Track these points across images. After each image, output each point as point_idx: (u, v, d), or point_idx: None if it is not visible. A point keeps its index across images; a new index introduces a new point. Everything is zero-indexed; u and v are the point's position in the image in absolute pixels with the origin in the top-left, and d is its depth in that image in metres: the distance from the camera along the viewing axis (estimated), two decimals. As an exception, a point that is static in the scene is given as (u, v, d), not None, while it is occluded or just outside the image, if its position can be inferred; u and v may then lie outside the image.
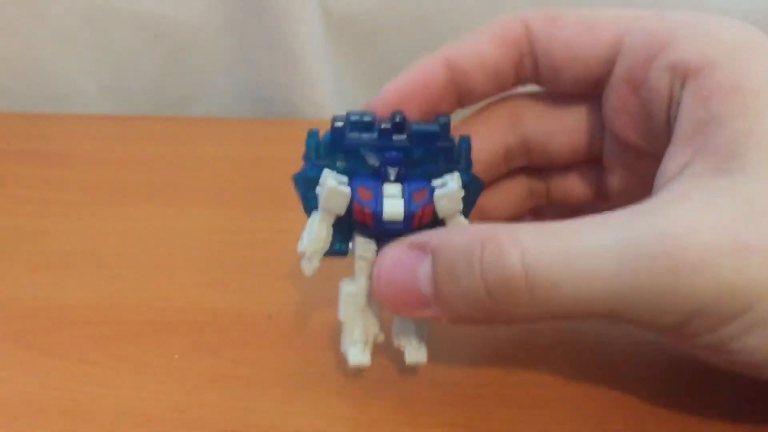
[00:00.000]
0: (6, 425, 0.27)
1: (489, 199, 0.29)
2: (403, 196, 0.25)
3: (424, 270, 0.23)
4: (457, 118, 0.28)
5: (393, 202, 0.24)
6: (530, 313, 0.22)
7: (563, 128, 0.28)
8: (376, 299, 0.24)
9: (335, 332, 0.31)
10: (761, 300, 0.20)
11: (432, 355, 0.29)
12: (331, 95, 0.55)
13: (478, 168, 0.26)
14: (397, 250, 0.24)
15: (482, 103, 0.28)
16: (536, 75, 0.27)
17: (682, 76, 0.23)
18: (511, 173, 0.29)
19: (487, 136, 0.28)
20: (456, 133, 0.26)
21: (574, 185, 0.29)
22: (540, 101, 0.28)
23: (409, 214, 0.24)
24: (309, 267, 0.25)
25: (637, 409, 0.27)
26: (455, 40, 0.26)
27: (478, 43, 0.26)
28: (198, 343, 0.30)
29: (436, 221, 0.25)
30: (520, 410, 0.27)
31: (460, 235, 0.23)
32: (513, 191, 0.29)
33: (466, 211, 0.25)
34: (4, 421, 0.27)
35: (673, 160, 0.22)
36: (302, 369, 0.29)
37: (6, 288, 0.34)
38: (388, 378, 0.29)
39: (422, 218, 0.25)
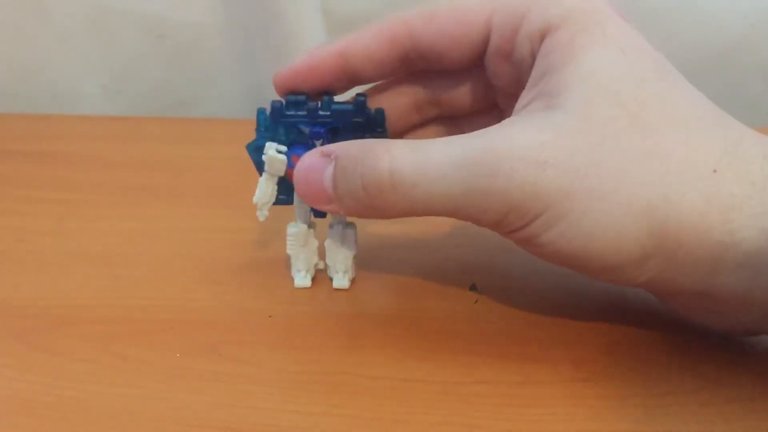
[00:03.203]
0: (6, 424, 0.27)
1: None
2: None
3: (328, 172, 0.29)
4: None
5: None
6: (396, 208, 0.27)
7: (462, 87, 0.33)
8: (299, 195, 0.30)
9: (336, 332, 0.31)
10: (555, 203, 0.25)
11: (431, 354, 0.29)
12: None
13: (396, 116, 0.33)
14: (310, 157, 0.29)
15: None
16: (424, 61, 0.31)
17: (538, 40, 0.28)
18: (426, 122, 0.34)
19: (402, 93, 0.33)
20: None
21: (481, 128, 0.33)
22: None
23: None
24: (261, 215, 0.33)
25: (638, 406, 0.27)
26: (349, 34, 0.31)
27: (366, 39, 0.31)
28: (199, 343, 0.31)
29: None
30: (518, 408, 0.27)
31: (354, 145, 0.28)
32: (431, 135, 0.34)
33: None
34: (5, 420, 0.27)
35: (521, 101, 0.28)
36: (302, 368, 0.29)
37: (7, 287, 0.34)
38: (387, 377, 0.29)
39: None
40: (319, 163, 0.29)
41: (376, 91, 0.34)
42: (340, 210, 0.29)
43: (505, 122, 0.27)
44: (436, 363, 0.29)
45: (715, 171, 0.25)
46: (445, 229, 0.39)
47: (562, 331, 0.31)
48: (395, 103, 0.33)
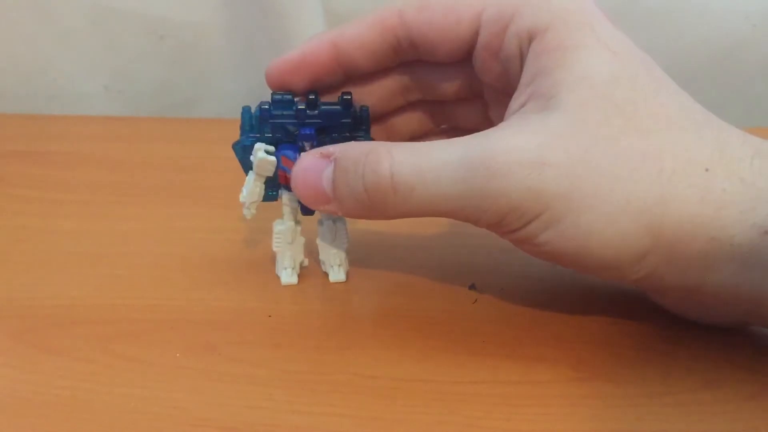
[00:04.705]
0: (6, 424, 0.27)
1: (396, 123, 0.35)
2: None
3: (326, 173, 0.29)
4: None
5: None
6: (396, 209, 0.28)
7: (449, 77, 0.33)
8: (296, 195, 0.31)
9: (335, 331, 0.31)
10: (553, 204, 0.26)
11: (430, 354, 0.29)
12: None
13: (381, 96, 0.33)
14: (309, 157, 0.30)
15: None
16: (416, 53, 0.32)
17: (527, 40, 0.28)
18: (412, 105, 0.35)
19: (388, 76, 0.33)
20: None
21: (465, 116, 0.35)
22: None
23: None
24: (248, 213, 0.33)
25: (637, 406, 0.27)
26: (342, 25, 0.32)
27: (360, 29, 0.31)
28: (198, 342, 0.31)
29: None
30: (517, 407, 0.27)
31: (355, 147, 0.29)
32: (414, 118, 0.35)
33: None
34: (6, 419, 0.27)
35: (515, 102, 0.28)
36: (302, 368, 0.29)
37: (8, 287, 0.34)
38: (387, 377, 0.29)
39: None
40: (318, 165, 0.29)
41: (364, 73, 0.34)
42: (338, 211, 0.30)
43: (502, 124, 0.28)
44: (435, 363, 0.29)
45: (707, 170, 0.26)
46: (445, 228, 0.39)
47: (561, 331, 0.31)
48: (381, 84, 0.33)
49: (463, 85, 0.33)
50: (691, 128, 0.27)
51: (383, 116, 0.35)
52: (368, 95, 0.33)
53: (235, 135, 0.33)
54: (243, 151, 0.32)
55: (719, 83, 0.54)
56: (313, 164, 0.29)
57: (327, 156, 0.29)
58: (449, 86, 0.33)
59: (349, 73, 0.32)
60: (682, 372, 0.29)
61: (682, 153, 0.26)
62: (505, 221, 0.27)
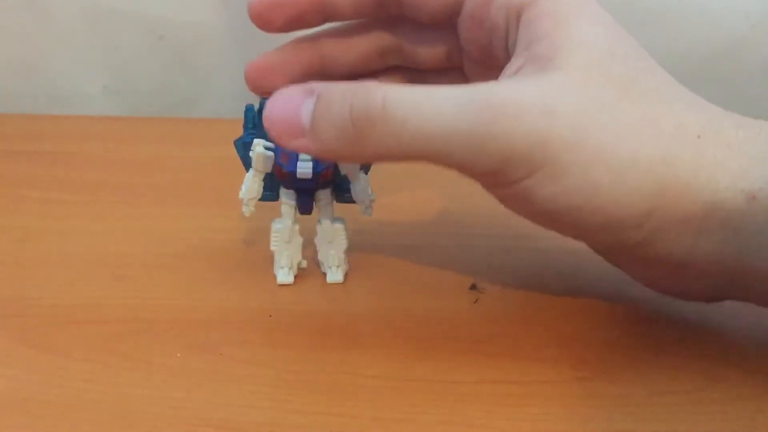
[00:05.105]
0: (7, 423, 0.27)
1: None
2: (313, 160, 0.31)
3: (306, 105, 0.27)
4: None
5: (304, 165, 0.31)
6: (381, 143, 0.26)
7: (429, 42, 0.32)
8: (265, 127, 0.28)
9: (336, 331, 0.31)
10: (561, 154, 0.25)
11: (430, 354, 0.29)
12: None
13: (358, 56, 0.32)
14: (290, 89, 0.27)
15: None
16: (400, 9, 0.31)
17: (516, 11, 0.28)
18: (389, 70, 0.34)
19: (366, 35, 0.33)
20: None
21: (442, 83, 0.33)
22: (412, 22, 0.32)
23: (316, 173, 0.32)
24: (247, 210, 0.33)
25: (637, 406, 0.27)
26: None
27: None
28: (199, 342, 0.31)
29: (340, 176, 0.33)
30: (517, 407, 0.27)
31: (342, 83, 0.27)
32: (391, 82, 0.34)
33: (366, 168, 0.33)
34: (5, 419, 0.27)
35: (510, 67, 0.28)
36: (302, 367, 0.29)
37: (8, 287, 0.34)
38: (387, 377, 0.29)
39: (326, 176, 0.32)
40: (298, 96, 0.27)
41: (343, 30, 0.33)
42: (310, 145, 0.27)
43: (504, 80, 0.27)
44: (436, 363, 0.29)
45: (698, 137, 0.26)
46: (446, 228, 0.39)
47: (562, 331, 0.31)
48: (359, 43, 0.33)
49: (444, 53, 0.33)
50: (682, 100, 0.27)
51: (359, 77, 0.33)
52: (347, 51, 0.32)
53: (234, 135, 0.33)
54: (244, 148, 0.32)
55: (719, 83, 0.54)
56: (292, 94, 0.27)
57: (309, 90, 0.27)
58: (429, 52, 0.33)
59: (329, 17, 0.31)
60: (683, 372, 0.29)
61: (676, 120, 0.26)
62: (505, 170, 0.25)
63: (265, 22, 0.31)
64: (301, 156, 0.31)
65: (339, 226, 0.34)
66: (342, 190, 0.33)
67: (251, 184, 0.33)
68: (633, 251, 0.28)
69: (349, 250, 0.34)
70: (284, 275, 0.34)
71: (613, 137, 0.25)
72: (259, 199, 0.33)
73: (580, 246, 0.30)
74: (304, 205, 0.33)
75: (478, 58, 0.31)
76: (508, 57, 0.28)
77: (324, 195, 0.33)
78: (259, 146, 0.32)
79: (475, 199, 0.37)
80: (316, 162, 0.32)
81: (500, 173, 0.26)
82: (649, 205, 0.26)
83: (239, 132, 0.33)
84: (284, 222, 0.34)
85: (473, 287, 0.34)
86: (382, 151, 0.26)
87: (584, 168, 0.25)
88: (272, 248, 0.34)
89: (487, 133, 0.25)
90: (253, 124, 0.32)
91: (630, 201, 0.26)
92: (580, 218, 0.26)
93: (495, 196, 0.27)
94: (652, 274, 0.30)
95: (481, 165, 0.25)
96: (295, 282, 0.34)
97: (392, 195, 0.40)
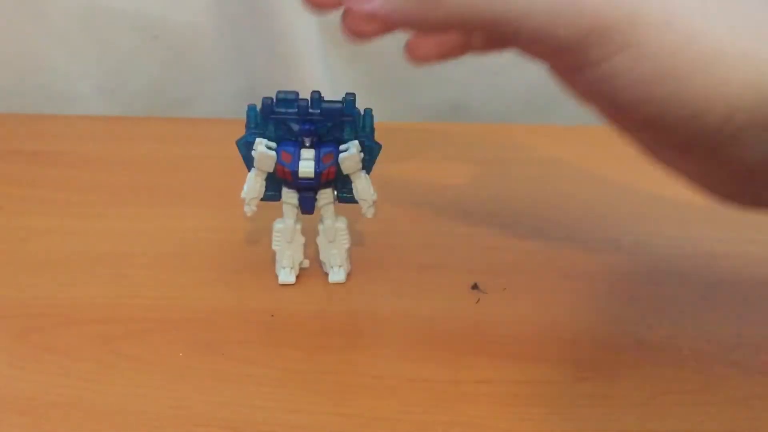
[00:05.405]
0: (8, 423, 0.27)
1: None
2: (315, 159, 0.32)
3: None
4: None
5: (306, 164, 0.32)
6: (456, 3, 0.23)
7: None
8: None
9: (336, 331, 0.31)
10: (651, 34, 0.23)
11: (431, 354, 0.30)
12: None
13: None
14: None
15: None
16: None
17: None
18: None
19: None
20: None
21: None
22: None
23: (318, 172, 0.32)
24: (248, 210, 0.33)
25: (638, 406, 0.27)
26: None
27: None
28: (201, 342, 0.31)
29: (342, 176, 0.33)
30: (518, 407, 0.27)
31: None
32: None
33: (368, 168, 0.33)
34: (6, 419, 0.27)
35: None
36: (304, 367, 0.29)
37: (9, 287, 0.34)
38: (387, 376, 0.29)
39: (328, 175, 0.32)
40: None
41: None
42: (382, 7, 0.24)
43: None
44: (436, 363, 0.29)
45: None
46: (447, 228, 0.39)
47: (563, 332, 0.31)
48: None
49: None
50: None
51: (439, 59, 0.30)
52: None
53: (232, 134, 0.33)
54: (246, 147, 0.32)
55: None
56: None
57: None
58: None
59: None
60: (682, 372, 0.29)
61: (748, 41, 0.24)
62: (584, 45, 0.23)
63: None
64: (303, 155, 0.32)
65: (341, 225, 0.34)
66: (344, 190, 0.33)
67: (253, 183, 0.33)
68: (708, 152, 0.26)
69: (351, 250, 0.34)
70: (286, 275, 0.34)
71: (705, 24, 0.23)
72: (261, 199, 0.33)
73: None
74: (306, 205, 0.33)
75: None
76: None
77: (326, 194, 0.33)
78: (261, 145, 0.32)
79: (477, 200, 0.37)
80: (318, 161, 0.32)
81: (579, 50, 0.23)
82: (736, 101, 0.24)
83: (237, 131, 0.33)
84: (286, 222, 0.34)
85: (475, 287, 0.34)
86: (455, 12, 0.23)
87: (673, 52, 0.23)
88: (274, 248, 0.34)
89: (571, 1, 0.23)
90: (255, 123, 0.32)
91: (719, 93, 0.24)
92: (661, 111, 0.24)
93: (566, 84, 0.25)
94: (720, 178, 0.27)
95: (560, 35, 0.23)
96: (296, 282, 0.34)
97: (393, 195, 0.40)
